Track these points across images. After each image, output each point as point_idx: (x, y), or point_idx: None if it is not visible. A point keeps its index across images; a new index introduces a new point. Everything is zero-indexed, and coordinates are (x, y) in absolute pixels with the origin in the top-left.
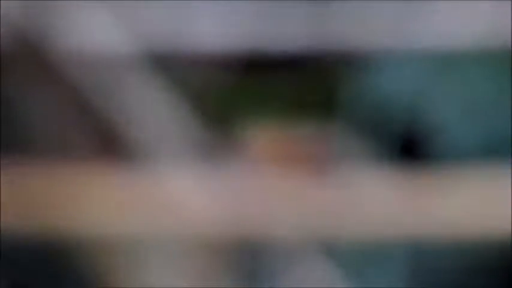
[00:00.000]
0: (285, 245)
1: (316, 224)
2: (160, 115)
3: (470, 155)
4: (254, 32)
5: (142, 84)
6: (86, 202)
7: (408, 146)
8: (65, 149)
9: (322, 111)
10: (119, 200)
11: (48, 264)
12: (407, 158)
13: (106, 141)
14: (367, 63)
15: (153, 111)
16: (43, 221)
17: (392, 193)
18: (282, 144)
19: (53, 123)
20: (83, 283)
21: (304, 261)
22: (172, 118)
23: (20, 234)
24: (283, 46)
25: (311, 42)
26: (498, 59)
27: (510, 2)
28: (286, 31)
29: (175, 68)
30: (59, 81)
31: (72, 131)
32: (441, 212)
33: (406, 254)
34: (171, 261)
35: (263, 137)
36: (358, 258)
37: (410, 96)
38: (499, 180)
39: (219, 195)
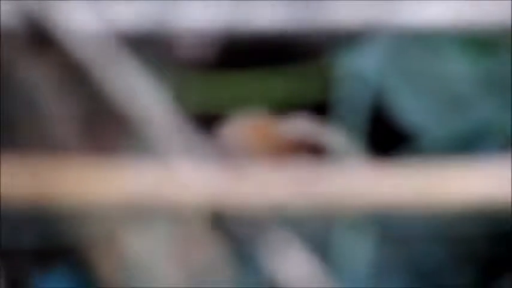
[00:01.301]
0: (266, 228)
1: (300, 211)
2: (141, 101)
3: (454, 143)
4: (235, 15)
5: (122, 68)
6: (74, 188)
7: (394, 136)
8: (52, 137)
9: (308, 99)
10: (106, 186)
11: (40, 232)
12: (391, 148)
13: (94, 127)
14: (354, 45)
15: (134, 96)
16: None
17: (377, 182)
18: (268, 133)
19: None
20: (74, 254)
21: (281, 240)
22: (154, 105)
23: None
24: (264, 28)
25: (295, 25)
26: (482, 41)
27: None
28: (268, 13)
29: (154, 53)
30: (44, 66)
31: (61, 116)
32: (425, 195)
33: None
34: (157, 239)
35: (248, 126)
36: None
37: (394, 80)
38: (483, 170)
39: (203, 186)
